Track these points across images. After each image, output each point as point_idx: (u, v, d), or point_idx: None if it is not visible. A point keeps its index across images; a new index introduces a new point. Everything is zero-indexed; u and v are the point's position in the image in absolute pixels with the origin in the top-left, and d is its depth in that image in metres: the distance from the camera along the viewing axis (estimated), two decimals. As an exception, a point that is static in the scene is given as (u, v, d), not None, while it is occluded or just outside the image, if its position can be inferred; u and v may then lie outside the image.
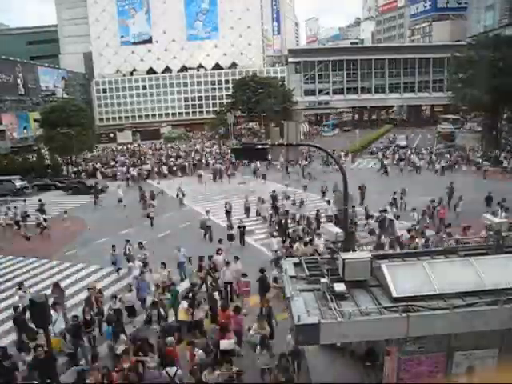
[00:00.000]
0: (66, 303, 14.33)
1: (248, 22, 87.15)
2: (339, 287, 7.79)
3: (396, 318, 7.06)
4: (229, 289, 14.34)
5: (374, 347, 8.58)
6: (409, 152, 44.54)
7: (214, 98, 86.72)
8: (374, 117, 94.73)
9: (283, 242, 17.87)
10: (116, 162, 47.44)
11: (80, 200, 33.07)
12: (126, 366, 9.12)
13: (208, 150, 55.00)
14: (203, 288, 14.33)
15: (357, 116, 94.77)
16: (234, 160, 39.75)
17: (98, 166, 45.84)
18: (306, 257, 10.83)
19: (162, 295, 13.08)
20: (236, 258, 14.87)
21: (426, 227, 18.16)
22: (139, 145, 56.95)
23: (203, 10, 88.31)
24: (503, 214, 18.43)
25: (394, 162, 40.27)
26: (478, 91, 41.28)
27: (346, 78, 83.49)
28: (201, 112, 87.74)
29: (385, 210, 20.36)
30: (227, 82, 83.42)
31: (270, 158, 35.74)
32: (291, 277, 8.85)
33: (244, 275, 13.98)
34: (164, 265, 14.80)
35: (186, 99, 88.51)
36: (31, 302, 7.97)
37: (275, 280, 13.41)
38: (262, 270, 13.48)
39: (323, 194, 27.81)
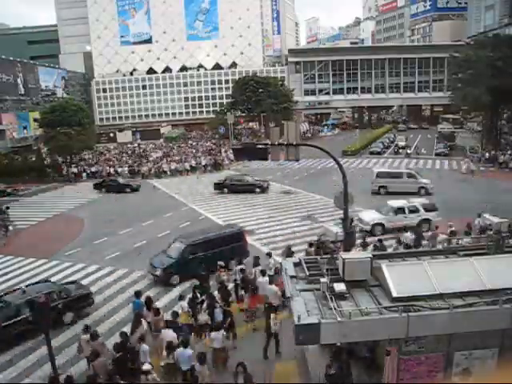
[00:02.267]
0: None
1: (248, 22, 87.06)
2: (339, 287, 7.79)
3: (396, 318, 7.06)
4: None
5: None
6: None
7: (214, 97, 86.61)
8: (374, 116, 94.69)
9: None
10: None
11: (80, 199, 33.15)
12: None
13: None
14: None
15: (356, 116, 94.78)
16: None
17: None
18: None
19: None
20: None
21: None
22: (139, 145, 56.93)
23: (203, 9, 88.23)
24: None
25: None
26: (477, 91, 41.25)
27: (346, 78, 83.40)
28: (201, 112, 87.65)
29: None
30: (227, 81, 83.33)
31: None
32: (291, 277, 8.85)
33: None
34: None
35: (186, 99, 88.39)
36: (31, 303, 7.98)
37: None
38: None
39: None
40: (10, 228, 25.03)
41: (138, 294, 12.85)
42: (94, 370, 9.28)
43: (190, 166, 43.19)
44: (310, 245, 15.90)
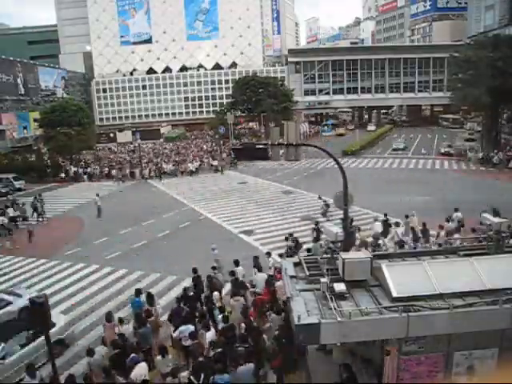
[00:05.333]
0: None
1: (248, 22, 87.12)
2: (339, 287, 7.78)
3: (396, 318, 7.05)
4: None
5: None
6: None
7: (214, 97, 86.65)
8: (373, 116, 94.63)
9: None
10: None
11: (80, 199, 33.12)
12: None
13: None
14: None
15: (357, 115, 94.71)
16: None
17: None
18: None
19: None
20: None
21: None
22: (139, 145, 56.97)
23: (203, 9, 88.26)
24: None
25: None
26: (477, 91, 41.22)
27: (346, 77, 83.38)
28: (201, 112, 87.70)
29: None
30: (227, 81, 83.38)
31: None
32: (291, 277, 8.84)
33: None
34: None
35: (186, 99, 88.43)
36: (31, 302, 7.96)
37: None
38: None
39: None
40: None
41: (138, 292, 12.66)
42: (90, 368, 9.31)
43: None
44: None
